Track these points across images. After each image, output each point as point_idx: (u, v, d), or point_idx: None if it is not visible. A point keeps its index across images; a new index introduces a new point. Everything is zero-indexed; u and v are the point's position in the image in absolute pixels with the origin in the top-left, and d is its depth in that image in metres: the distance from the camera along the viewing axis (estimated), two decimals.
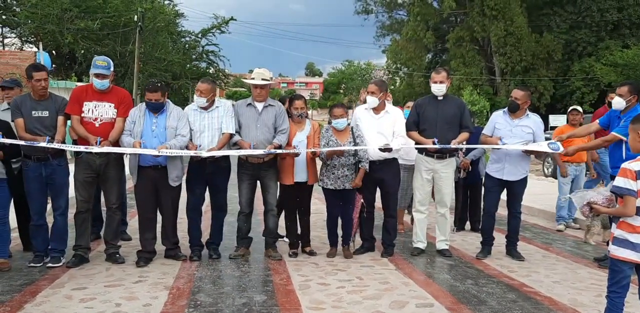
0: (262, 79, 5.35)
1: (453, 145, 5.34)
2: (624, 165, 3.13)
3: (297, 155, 5.28)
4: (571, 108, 7.51)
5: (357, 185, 5.32)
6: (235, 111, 5.35)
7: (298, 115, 5.43)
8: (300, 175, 5.42)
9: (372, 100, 5.46)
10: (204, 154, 5.05)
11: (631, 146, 3.29)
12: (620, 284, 3.16)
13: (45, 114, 4.97)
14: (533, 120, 5.50)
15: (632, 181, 3.06)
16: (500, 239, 5.81)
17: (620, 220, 3.18)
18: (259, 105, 5.34)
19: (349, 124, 5.51)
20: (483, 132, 5.71)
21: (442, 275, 4.98)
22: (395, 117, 5.57)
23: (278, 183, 5.47)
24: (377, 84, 5.50)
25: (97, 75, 4.99)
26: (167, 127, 5.05)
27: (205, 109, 5.25)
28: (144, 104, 5.09)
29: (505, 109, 5.59)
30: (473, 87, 29.13)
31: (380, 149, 5.25)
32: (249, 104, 5.38)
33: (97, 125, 4.96)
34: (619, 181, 3.10)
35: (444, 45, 35.19)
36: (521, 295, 4.38)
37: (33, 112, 4.94)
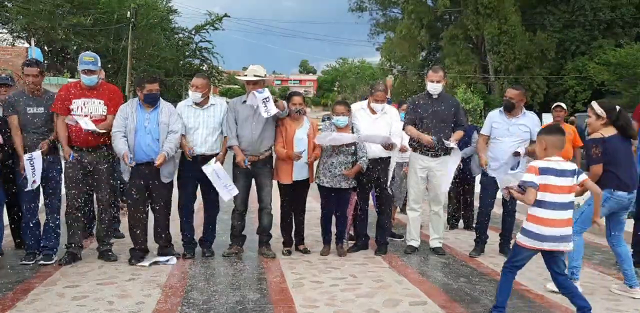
0: (255, 75, 5.33)
1: (453, 142, 5.39)
2: (532, 163, 3.72)
3: (298, 158, 5.28)
4: (555, 105, 7.51)
5: (349, 175, 5.31)
6: (230, 108, 5.34)
7: (296, 110, 5.42)
8: (300, 173, 5.41)
9: (381, 106, 5.54)
10: (196, 150, 5.13)
11: (539, 155, 3.79)
12: (515, 265, 3.73)
13: (41, 110, 4.94)
14: (530, 118, 5.51)
15: (535, 175, 3.60)
16: (493, 237, 5.83)
17: (528, 213, 3.69)
18: None
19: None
20: (481, 132, 5.69)
21: (436, 273, 4.99)
22: (392, 117, 5.58)
23: (274, 181, 5.46)
24: (385, 91, 5.55)
25: (85, 71, 4.93)
26: (160, 123, 5.02)
27: (199, 105, 5.24)
28: (136, 99, 5.05)
29: (502, 108, 5.60)
30: (467, 85, 29.20)
31: (383, 145, 5.31)
32: (244, 101, 5.36)
33: None
34: (525, 176, 3.65)
35: (438, 43, 35.19)
36: (514, 292, 4.38)
37: (28, 109, 4.91)
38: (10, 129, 4.91)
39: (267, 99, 5.01)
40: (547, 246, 3.61)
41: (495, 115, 5.61)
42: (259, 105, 5.03)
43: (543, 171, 3.61)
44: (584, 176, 3.70)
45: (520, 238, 3.70)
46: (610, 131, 4.31)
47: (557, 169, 3.61)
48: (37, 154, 4.78)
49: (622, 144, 4.32)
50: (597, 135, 4.33)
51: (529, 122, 5.47)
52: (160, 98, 5.15)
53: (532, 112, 5.70)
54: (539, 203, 3.62)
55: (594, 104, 4.45)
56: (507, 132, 5.43)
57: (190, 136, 5.18)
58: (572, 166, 3.66)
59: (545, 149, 3.70)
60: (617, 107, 4.36)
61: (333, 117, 5.42)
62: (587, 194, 4.36)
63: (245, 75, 5.38)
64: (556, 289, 4.21)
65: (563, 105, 7.42)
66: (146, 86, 4.95)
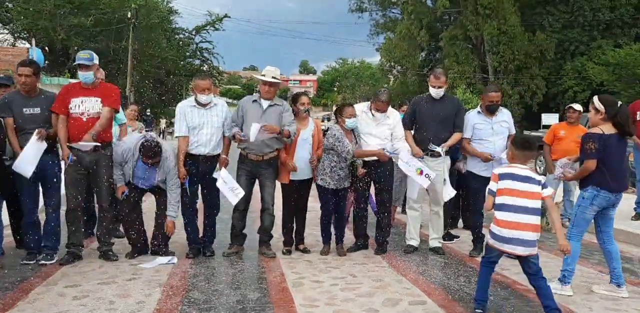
0: (273, 77, 5.36)
1: (444, 148, 5.44)
2: (493, 171, 3.94)
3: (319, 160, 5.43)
4: (567, 106, 7.45)
5: (363, 173, 5.40)
6: (240, 105, 5.39)
7: (305, 110, 5.46)
8: (301, 173, 5.43)
9: (383, 115, 5.51)
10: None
11: (508, 159, 4.07)
12: (488, 260, 3.90)
13: (37, 110, 4.95)
14: (506, 114, 5.65)
15: (495, 183, 3.81)
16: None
17: (493, 216, 3.83)
18: (265, 103, 5.35)
19: None
20: (464, 136, 5.64)
21: (435, 272, 5.01)
22: (394, 121, 5.56)
23: (276, 182, 5.48)
24: (388, 102, 5.50)
25: (80, 67, 4.97)
26: (157, 180, 5.17)
27: (203, 105, 5.25)
28: (139, 148, 5.02)
29: (478, 109, 5.65)
30: (466, 85, 29.22)
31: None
32: (255, 101, 5.38)
33: (84, 119, 4.94)
34: (490, 184, 3.86)
35: (437, 43, 35.15)
36: (513, 292, 4.42)
37: (24, 110, 4.92)
38: (5, 130, 4.92)
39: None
40: (507, 248, 3.71)
41: (474, 117, 5.63)
42: (251, 131, 5.10)
43: (502, 177, 3.79)
44: (549, 191, 3.81)
45: (487, 239, 3.87)
46: (610, 129, 4.29)
47: (517, 174, 3.77)
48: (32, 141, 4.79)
49: (617, 143, 4.30)
50: (596, 130, 4.31)
51: (507, 118, 5.61)
52: (164, 150, 5.12)
53: (504, 107, 5.78)
54: (499, 207, 3.76)
55: (595, 98, 4.42)
56: (492, 131, 5.48)
57: (195, 136, 5.20)
58: (538, 176, 3.81)
59: (512, 158, 3.93)
60: (619, 103, 4.34)
61: (345, 119, 5.36)
62: (575, 196, 4.45)
63: (263, 75, 5.40)
64: (555, 290, 4.28)
65: (576, 106, 7.23)
66: (145, 158, 5.02)
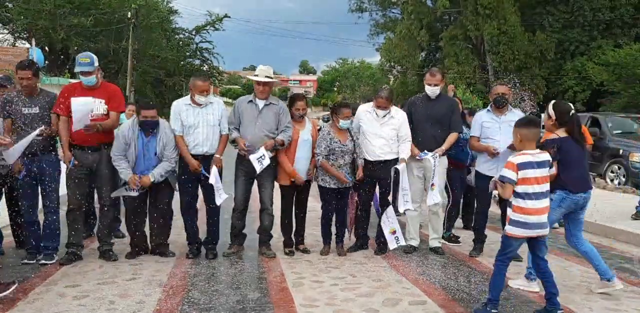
0: (266, 76, 5.35)
1: (439, 152, 5.44)
2: (510, 159, 3.91)
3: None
4: None
5: (360, 177, 5.36)
6: (237, 105, 5.39)
7: (300, 115, 5.45)
8: (302, 173, 5.42)
9: (386, 113, 5.46)
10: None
11: (515, 146, 4.09)
12: (507, 256, 3.92)
13: (36, 110, 4.94)
14: (517, 115, 5.56)
15: (513, 172, 3.80)
16: (492, 237, 5.84)
17: (514, 204, 3.86)
18: (260, 103, 5.34)
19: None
20: (471, 134, 5.67)
21: (435, 272, 5.00)
22: (400, 121, 5.49)
23: (274, 182, 5.47)
24: (389, 98, 5.45)
25: (82, 73, 4.97)
26: (157, 152, 5.09)
27: (198, 104, 5.24)
28: (136, 119, 5.03)
29: (489, 108, 5.65)
30: (466, 85, 29.22)
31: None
32: (250, 101, 5.38)
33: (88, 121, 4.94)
34: (504, 171, 3.86)
35: (437, 43, 35.18)
36: (513, 292, 4.42)
37: (24, 109, 4.92)
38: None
39: (263, 157, 5.12)
40: (534, 233, 3.87)
41: (483, 115, 5.64)
42: (254, 164, 5.12)
43: (521, 166, 3.82)
44: (553, 169, 4.05)
45: (509, 230, 3.89)
46: (563, 133, 4.40)
47: (535, 162, 3.85)
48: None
49: (574, 146, 4.36)
50: (553, 136, 4.44)
51: (516, 118, 5.51)
52: (162, 122, 5.13)
53: (517, 108, 5.74)
54: (522, 196, 3.84)
55: (550, 103, 4.60)
56: (499, 130, 5.45)
57: (191, 135, 5.19)
58: (547, 157, 3.93)
59: (521, 141, 3.94)
60: (572, 112, 4.42)
61: (339, 120, 5.32)
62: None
63: (256, 75, 5.38)
64: (518, 285, 4.51)
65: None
66: (141, 112, 4.98)
